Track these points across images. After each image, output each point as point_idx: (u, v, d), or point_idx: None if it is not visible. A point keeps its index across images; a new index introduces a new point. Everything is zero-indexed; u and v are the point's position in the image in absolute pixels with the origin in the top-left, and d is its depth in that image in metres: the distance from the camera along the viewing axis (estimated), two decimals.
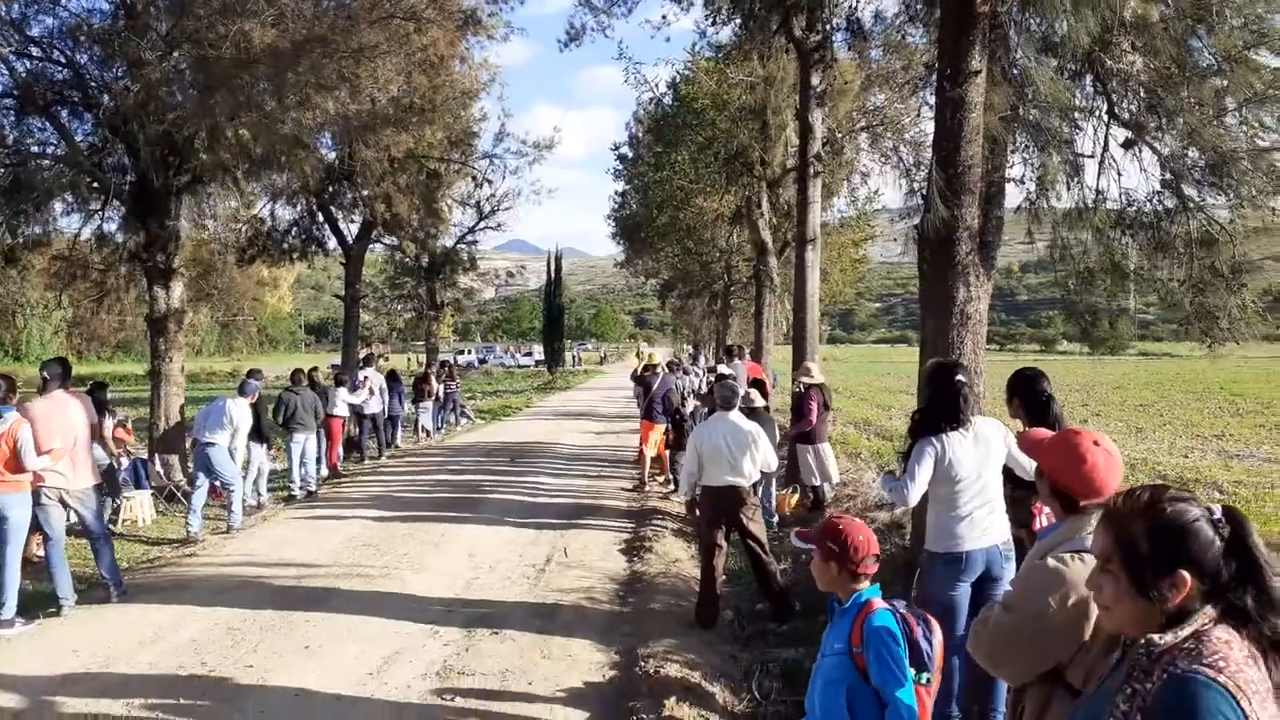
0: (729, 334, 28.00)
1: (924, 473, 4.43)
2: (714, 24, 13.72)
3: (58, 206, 12.27)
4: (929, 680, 2.98)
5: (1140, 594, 1.76)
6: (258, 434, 11.89)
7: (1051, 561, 2.40)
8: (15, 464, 6.71)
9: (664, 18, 14.88)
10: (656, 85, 21.94)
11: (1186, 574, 1.71)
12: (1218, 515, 1.74)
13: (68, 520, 7.53)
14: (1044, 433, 2.87)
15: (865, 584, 3.12)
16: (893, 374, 44.03)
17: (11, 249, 12.04)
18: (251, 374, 11.37)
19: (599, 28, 14.54)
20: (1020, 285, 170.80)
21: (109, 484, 10.17)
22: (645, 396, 13.49)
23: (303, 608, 7.12)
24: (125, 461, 11.20)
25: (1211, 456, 14.69)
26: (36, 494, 7.09)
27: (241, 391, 10.79)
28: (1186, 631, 1.68)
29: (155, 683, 5.54)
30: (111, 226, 13.07)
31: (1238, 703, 1.53)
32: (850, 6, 11.17)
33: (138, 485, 11.22)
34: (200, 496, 10.30)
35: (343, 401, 14.62)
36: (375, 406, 16.27)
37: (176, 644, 6.27)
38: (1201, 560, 1.71)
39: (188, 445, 11.54)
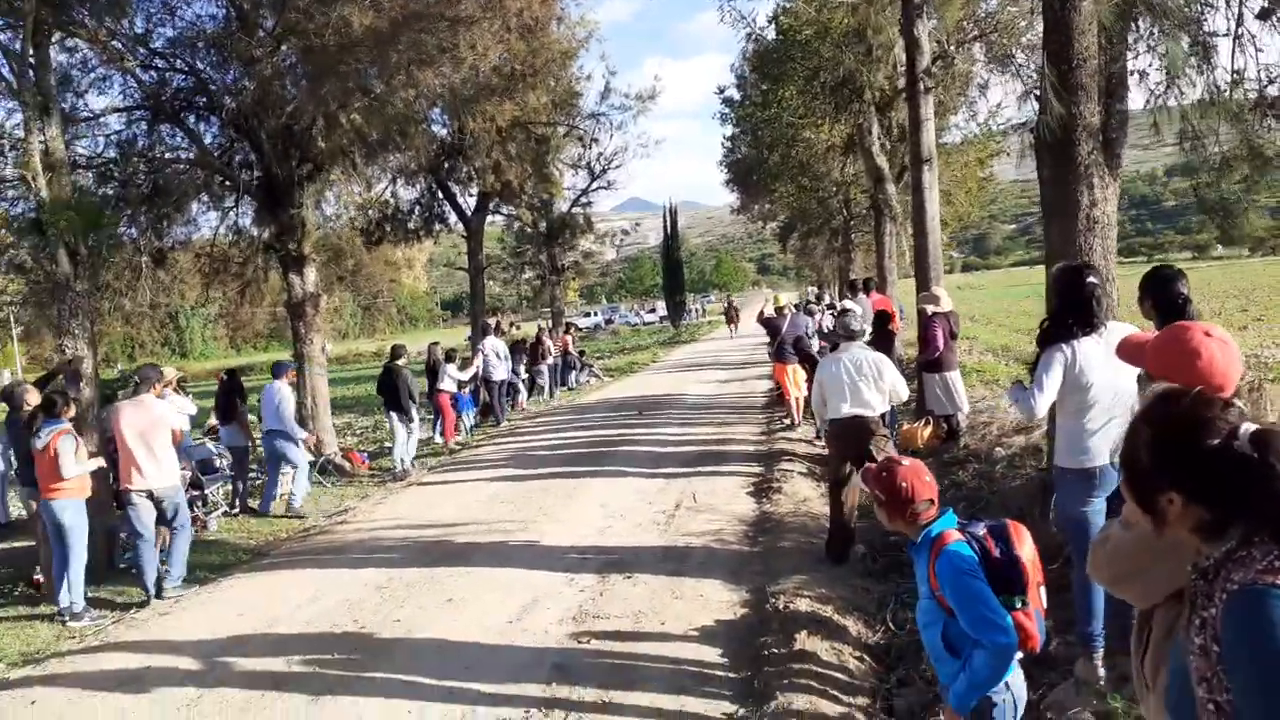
0: (852, 270, 27.21)
1: (1052, 382, 4.15)
2: None
3: (194, 207, 13.05)
4: (1024, 603, 2.82)
5: (1145, 510, 1.61)
6: (398, 406, 12.45)
7: None
8: (58, 473, 7.07)
9: None
10: (754, 20, 21.34)
11: (1178, 496, 1.54)
12: (1243, 434, 1.52)
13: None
14: (1143, 335, 2.62)
15: (930, 520, 2.97)
16: (1033, 296, 41.86)
17: (159, 251, 12.93)
18: (277, 364, 11.40)
19: None
20: (1166, 191, 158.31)
21: (237, 467, 10.91)
22: (775, 339, 13.38)
23: (445, 564, 7.46)
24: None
25: None
26: (125, 495, 7.62)
27: (275, 374, 11.00)
28: (1233, 542, 1.50)
29: (313, 640, 5.93)
30: (245, 221, 13.86)
31: None
32: None
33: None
34: (299, 480, 10.80)
35: (450, 378, 14.94)
36: (502, 374, 16.75)
37: (331, 604, 6.69)
38: (1203, 479, 1.53)
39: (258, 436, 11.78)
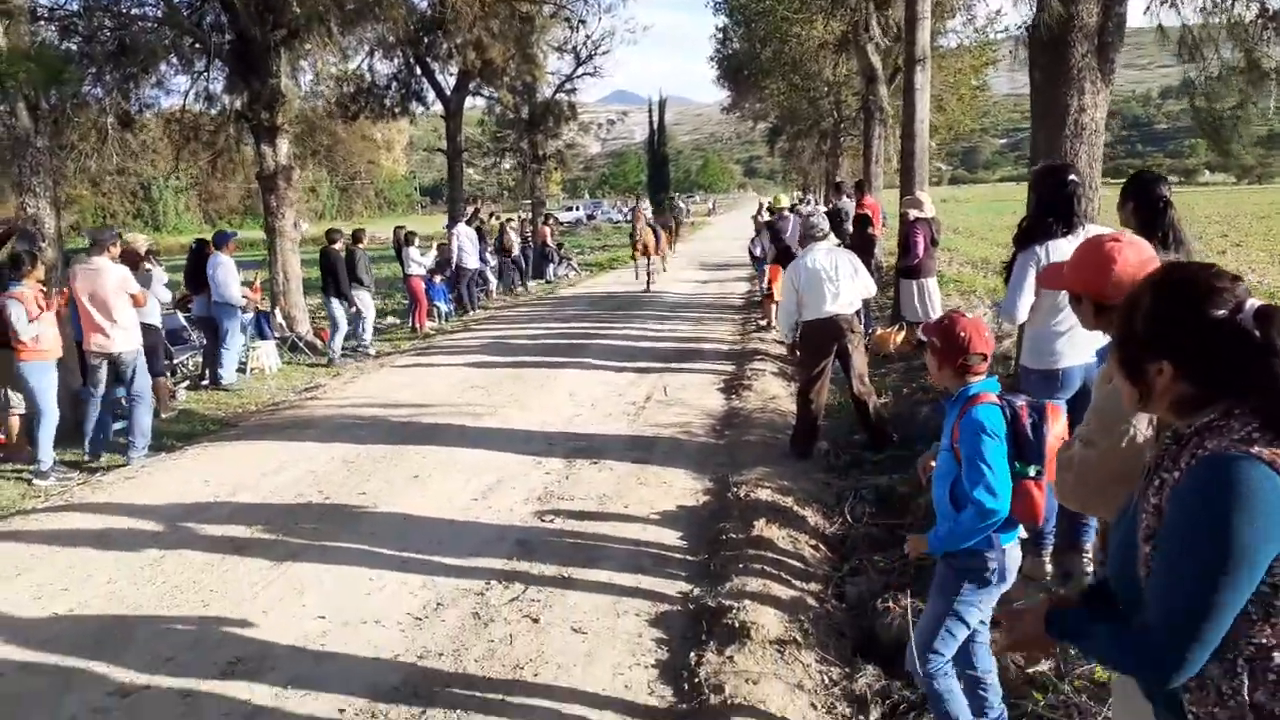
0: (839, 174, 26.85)
1: (1029, 284, 4.13)
2: None
3: (163, 69, 12.52)
4: (1039, 473, 2.85)
5: (1131, 379, 1.60)
6: (336, 289, 12.25)
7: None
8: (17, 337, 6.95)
9: None
10: None
11: (1169, 366, 1.53)
12: (1248, 309, 1.49)
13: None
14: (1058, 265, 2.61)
15: (975, 379, 2.97)
16: (1017, 212, 41.65)
17: (125, 113, 12.45)
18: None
19: None
20: (1159, 114, 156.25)
21: (209, 338, 10.75)
22: (779, 242, 13.18)
23: (413, 442, 7.49)
24: (250, 315, 11.69)
25: None
26: (87, 356, 7.60)
27: (216, 245, 10.70)
28: (1216, 411, 1.50)
29: (277, 510, 5.97)
30: (217, 88, 13.33)
31: None
32: None
33: (261, 336, 11.84)
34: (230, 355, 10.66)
35: (414, 262, 14.61)
36: (472, 262, 16.58)
37: (296, 475, 6.72)
38: (1201, 350, 1.51)
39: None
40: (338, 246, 12.46)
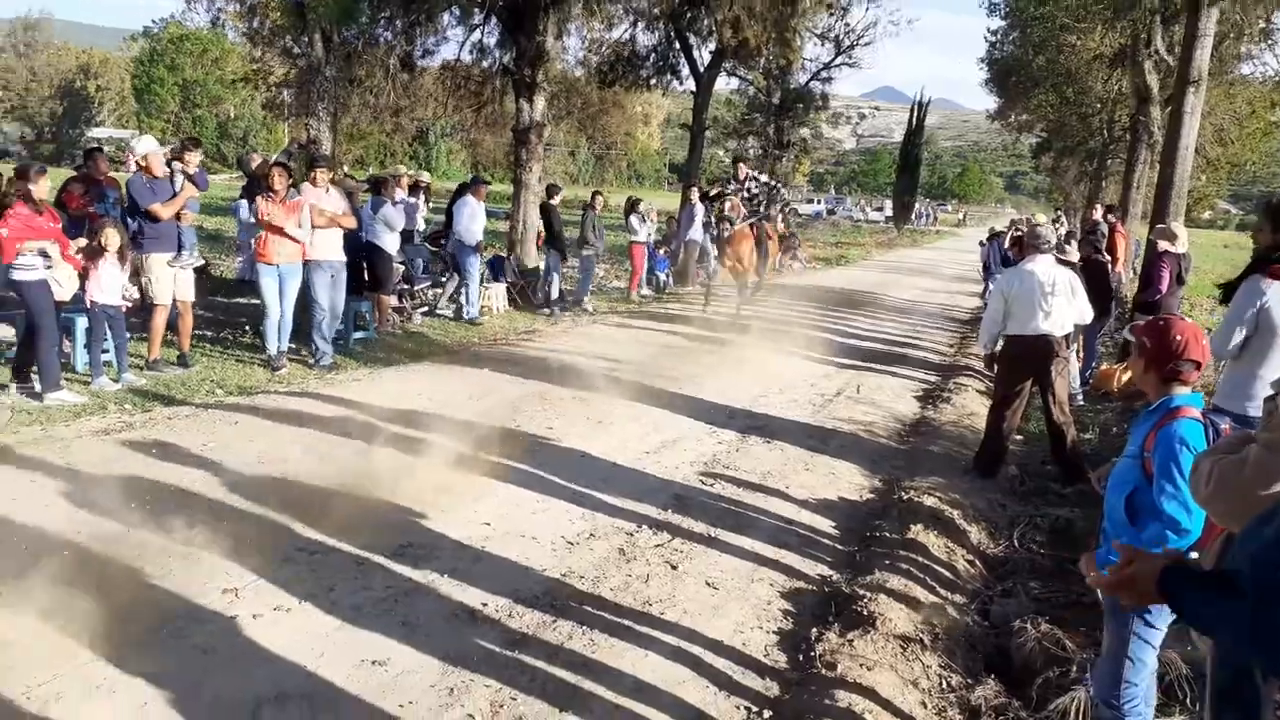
0: (1102, 199, 24.84)
1: (1247, 318, 3.79)
2: None
3: (444, 19, 13.72)
4: None
5: None
6: (552, 241, 12.92)
7: None
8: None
9: None
10: None
11: None
12: None
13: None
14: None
15: (1181, 389, 2.82)
16: None
17: (408, 55, 13.78)
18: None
19: None
20: None
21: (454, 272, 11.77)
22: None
23: (604, 392, 7.95)
24: (488, 256, 12.66)
25: None
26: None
27: (467, 190, 11.82)
28: None
29: (474, 428, 6.57)
30: (490, 41, 14.45)
31: None
32: None
33: (495, 279, 12.81)
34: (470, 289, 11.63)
35: (634, 227, 14.96)
36: (696, 235, 16.88)
37: (497, 402, 7.36)
38: None
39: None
40: (554, 201, 13.19)
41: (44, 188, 7.01)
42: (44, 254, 6.72)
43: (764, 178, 11.34)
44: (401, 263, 11.17)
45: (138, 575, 4.03)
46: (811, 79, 25.99)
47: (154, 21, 72.28)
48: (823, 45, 25.66)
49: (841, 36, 25.06)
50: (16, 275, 6.68)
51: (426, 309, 11.76)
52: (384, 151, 49.67)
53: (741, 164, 12.32)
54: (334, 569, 4.21)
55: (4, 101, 75.01)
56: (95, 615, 3.54)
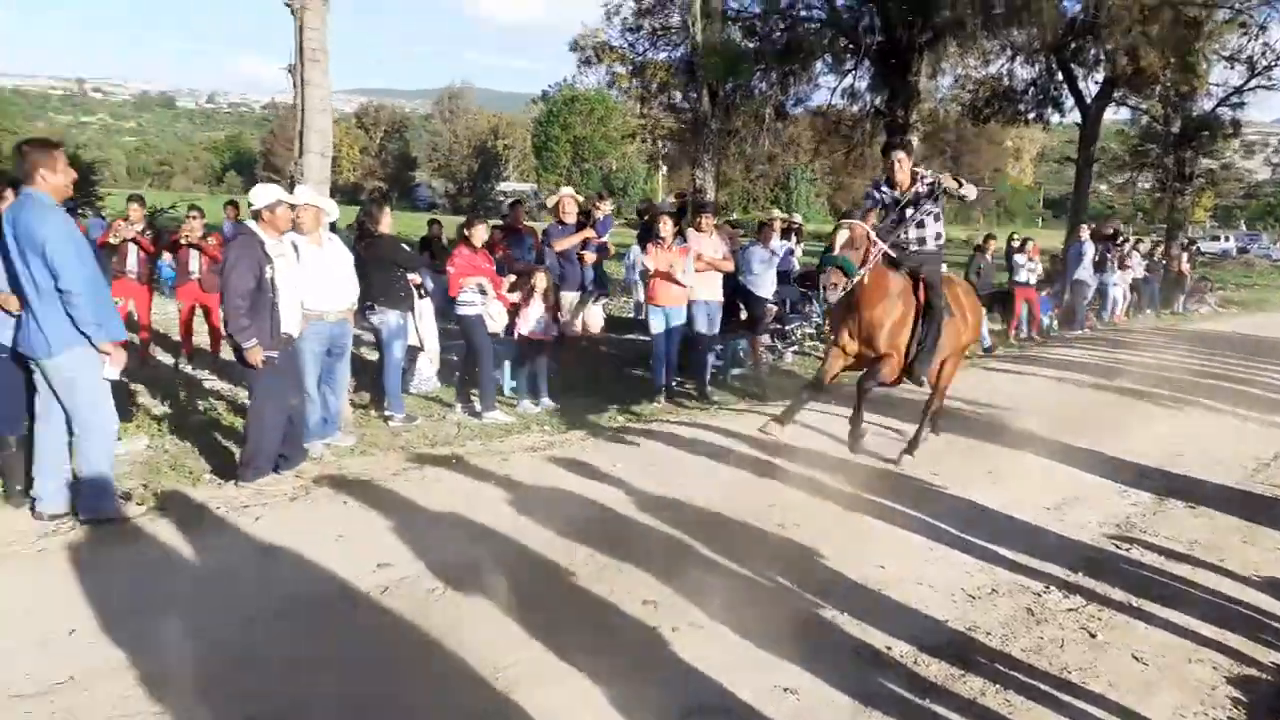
0: None
1: None
2: None
3: (817, 67, 14.13)
4: None
5: None
6: None
7: None
8: None
9: None
10: None
11: None
12: None
13: None
14: None
15: None
16: None
17: (781, 105, 14.30)
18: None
19: None
20: None
21: None
22: None
23: (995, 440, 7.57)
24: None
25: None
26: None
27: None
28: None
29: (856, 468, 6.56)
30: (862, 85, 14.57)
31: None
32: None
33: None
34: None
35: (1023, 269, 14.26)
36: (1085, 276, 15.60)
37: (877, 439, 7.23)
38: None
39: None
40: None
41: (480, 235, 8.25)
42: (481, 289, 7.89)
43: (929, 175, 6.50)
44: (775, 303, 11.51)
45: (570, 578, 4.54)
46: (1219, 104, 22.64)
47: (549, 86, 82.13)
48: (1233, 68, 22.30)
49: (1256, 57, 21.50)
50: (459, 310, 7.95)
51: (796, 347, 11.99)
52: (747, 197, 51.78)
53: (898, 156, 6.59)
54: (737, 591, 4.42)
55: (433, 161, 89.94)
56: (542, 609, 4.04)
